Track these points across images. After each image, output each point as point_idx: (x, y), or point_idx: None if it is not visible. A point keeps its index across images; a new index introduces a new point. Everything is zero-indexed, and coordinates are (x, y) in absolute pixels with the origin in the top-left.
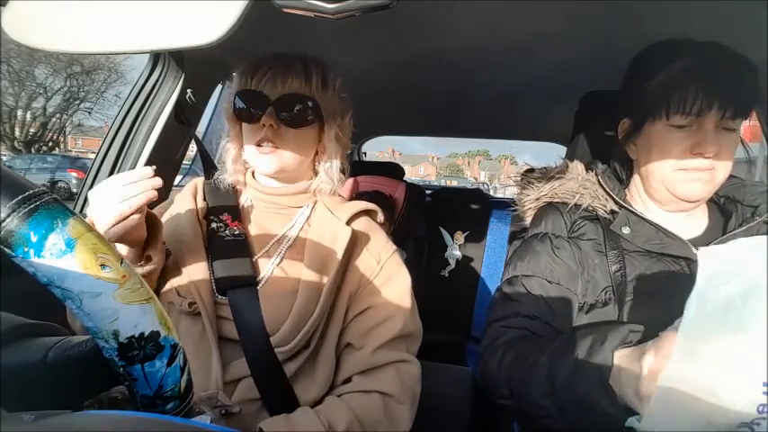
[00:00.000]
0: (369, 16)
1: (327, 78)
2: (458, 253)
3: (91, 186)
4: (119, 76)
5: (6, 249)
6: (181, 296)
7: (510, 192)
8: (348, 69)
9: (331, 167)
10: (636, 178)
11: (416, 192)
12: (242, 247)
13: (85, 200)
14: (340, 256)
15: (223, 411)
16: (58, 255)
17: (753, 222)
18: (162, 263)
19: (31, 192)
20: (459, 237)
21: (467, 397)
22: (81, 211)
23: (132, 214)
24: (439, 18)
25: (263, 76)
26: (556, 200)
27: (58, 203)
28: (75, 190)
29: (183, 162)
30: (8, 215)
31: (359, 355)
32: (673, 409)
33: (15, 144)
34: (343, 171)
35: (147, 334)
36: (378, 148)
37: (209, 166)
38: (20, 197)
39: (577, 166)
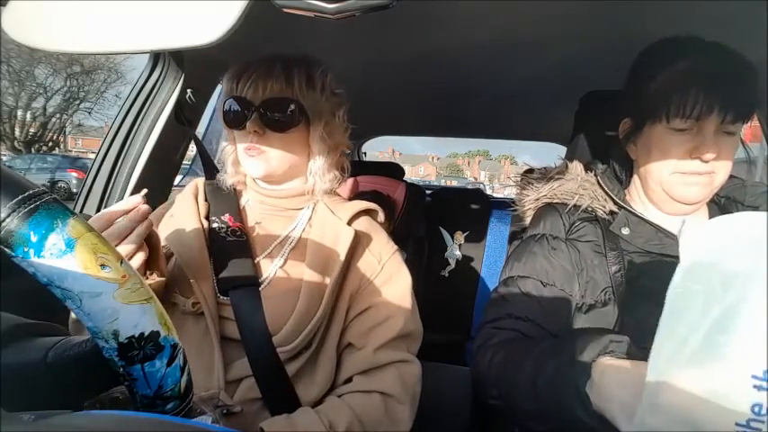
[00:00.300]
0: (369, 16)
1: (313, 76)
2: (458, 253)
3: (91, 186)
4: (119, 76)
5: (6, 249)
6: (184, 296)
7: (507, 192)
8: (348, 69)
9: (321, 167)
10: (635, 179)
11: (416, 192)
12: (244, 247)
13: (85, 200)
14: (343, 257)
15: (224, 411)
16: (58, 255)
17: None
18: (164, 272)
19: (31, 192)
20: (459, 237)
21: (467, 397)
22: (81, 211)
23: (136, 252)
24: (439, 18)
25: (247, 81)
26: (555, 200)
27: (58, 203)
28: (75, 190)
29: (183, 162)
30: (8, 215)
31: (360, 354)
32: (662, 412)
33: (15, 144)
34: (342, 169)
35: (146, 334)
36: (378, 148)
37: (209, 166)
38: (20, 197)
39: (577, 167)
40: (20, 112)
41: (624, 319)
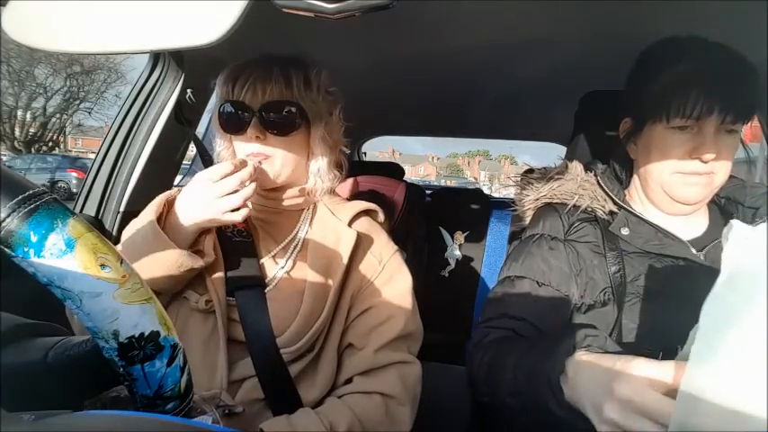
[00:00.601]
0: (369, 16)
1: (310, 76)
2: (458, 253)
3: (91, 186)
4: (119, 76)
5: (6, 249)
6: (198, 293)
7: (506, 193)
8: (348, 69)
9: (322, 168)
10: (635, 179)
11: (416, 192)
12: (249, 248)
13: (85, 200)
14: (345, 260)
15: (226, 411)
16: (58, 255)
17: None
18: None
19: (31, 192)
20: (459, 237)
21: (466, 397)
22: (81, 211)
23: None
24: (439, 18)
25: (244, 84)
26: (555, 201)
27: (58, 203)
28: (75, 190)
29: (183, 162)
30: (8, 215)
31: (360, 355)
32: (698, 414)
33: (15, 144)
34: (339, 168)
35: (147, 334)
36: (378, 148)
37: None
38: (20, 197)
39: (576, 167)
40: (20, 112)
41: (623, 320)
